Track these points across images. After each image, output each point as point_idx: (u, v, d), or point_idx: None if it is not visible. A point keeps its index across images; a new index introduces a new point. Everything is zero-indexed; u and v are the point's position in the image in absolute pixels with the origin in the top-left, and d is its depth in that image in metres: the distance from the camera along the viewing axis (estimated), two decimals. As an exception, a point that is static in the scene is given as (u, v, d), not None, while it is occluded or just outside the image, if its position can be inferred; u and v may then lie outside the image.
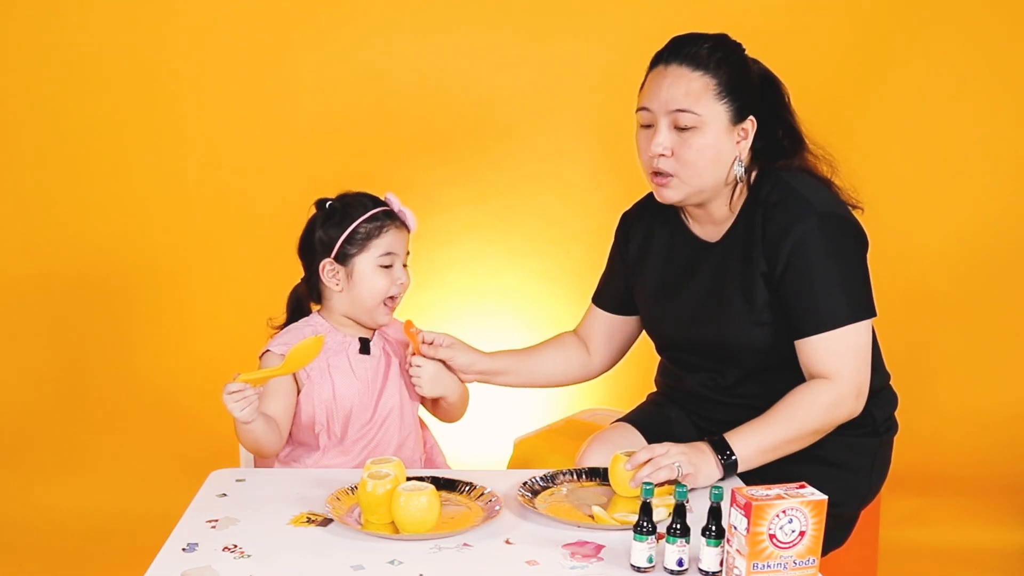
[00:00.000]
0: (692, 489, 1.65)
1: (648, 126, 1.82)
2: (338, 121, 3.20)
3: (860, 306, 1.78)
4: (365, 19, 3.18)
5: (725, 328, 1.85)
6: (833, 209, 1.81)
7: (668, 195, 1.84)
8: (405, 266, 1.99)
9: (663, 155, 1.79)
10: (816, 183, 1.86)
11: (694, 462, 1.69)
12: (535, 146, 3.24)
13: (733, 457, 1.71)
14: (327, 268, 1.93)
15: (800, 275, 1.76)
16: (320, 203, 1.98)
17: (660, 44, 1.89)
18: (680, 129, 1.77)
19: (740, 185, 1.85)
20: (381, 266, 1.93)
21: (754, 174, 1.86)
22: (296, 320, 2.02)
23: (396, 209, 1.97)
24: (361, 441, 1.94)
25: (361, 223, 1.93)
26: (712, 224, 1.90)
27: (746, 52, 1.86)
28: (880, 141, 3.21)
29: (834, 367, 1.75)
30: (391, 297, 1.96)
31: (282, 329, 2.01)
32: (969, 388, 3.31)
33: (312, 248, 1.96)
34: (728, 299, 1.85)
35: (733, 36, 1.87)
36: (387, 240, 1.93)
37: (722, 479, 1.71)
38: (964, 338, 3.32)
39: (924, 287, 3.26)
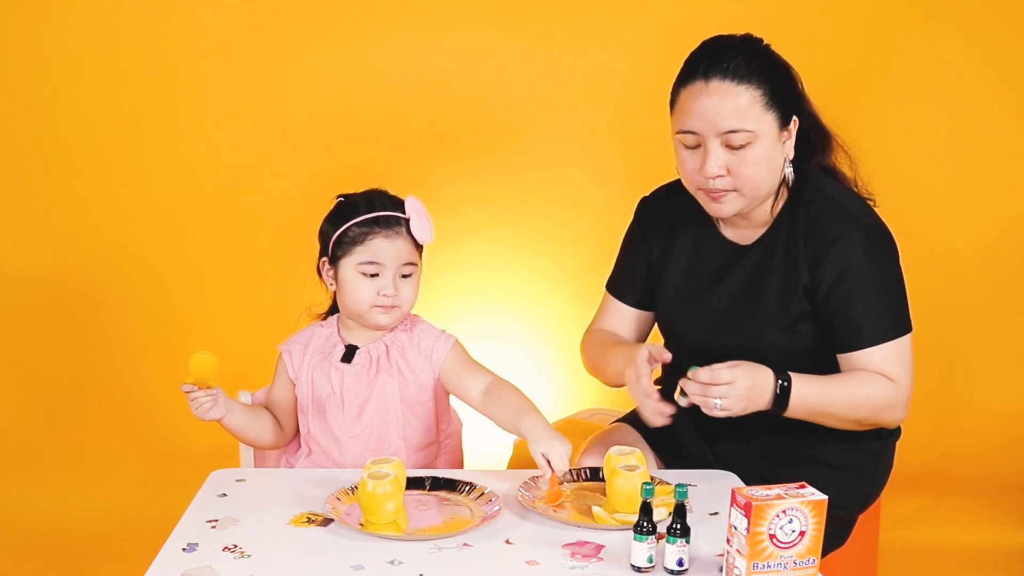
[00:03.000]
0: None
1: (694, 147, 1.77)
2: (339, 122, 3.20)
3: (901, 321, 1.80)
4: (367, 18, 3.18)
5: (753, 332, 1.83)
6: (873, 221, 1.81)
7: (726, 210, 1.79)
8: (407, 277, 1.88)
9: (720, 175, 1.74)
10: (850, 191, 1.86)
11: (750, 399, 1.66)
12: (536, 146, 3.24)
13: (787, 384, 1.68)
14: (324, 266, 1.91)
15: (848, 292, 1.76)
16: (337, 197, 1.93)
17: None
18: (732, 146, 1.73)
19: (781, 188, 1.82)
20: (364, 274, 1.85)
21: (791, 178, 1.83)
22: (336, 312, 1.99)
23: (407, 215, 1.87)
24: (333, 449, 1.90)
25: (351, 226, 1.85)
26: (749, 229, 1.87)
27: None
28: (889, 135, 3.19)
29: (892, 372, 1.76)
30: (382, 306, 1.86)
31: (324, 319, 2.00)
32: (969, 389, 3.31)
33: (320, 244, 1.93)
34: (762, 304, 1.83)
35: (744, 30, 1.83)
36: (371, 248, 1.84)
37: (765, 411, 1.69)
38: (964, 339, 3.32)
39: (924, 292, 3.25)
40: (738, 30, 1.83)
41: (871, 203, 1.87)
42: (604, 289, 2.10)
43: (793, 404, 1.71)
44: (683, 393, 1.68)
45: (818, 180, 1.84)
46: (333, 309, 2.01)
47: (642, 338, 2.07)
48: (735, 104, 1.71)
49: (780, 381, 1.70)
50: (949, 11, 3.18)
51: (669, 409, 1.73)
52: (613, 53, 3.18)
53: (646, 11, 3.15)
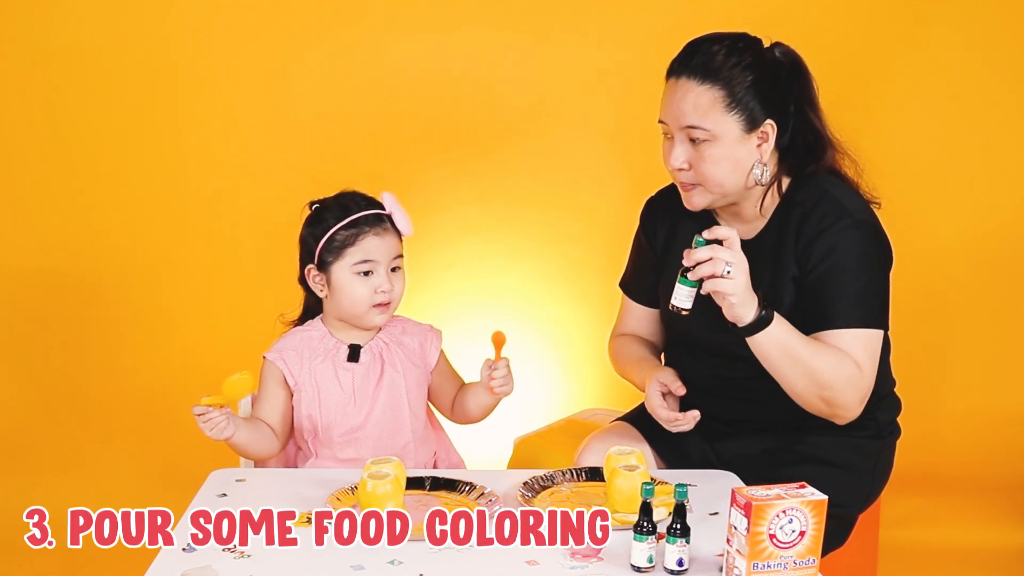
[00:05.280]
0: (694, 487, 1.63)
1: (668, 136, 1.84)
2: (338, 121, 3.20)
3: (877, 315, 1.79)
4: (367, 18, 3.18)
5: None
6: (868, 218, 1.82)
7: (695, 202, 1.85)
8: (397, 270, 1.90)
9: (682, 168, 1.81)
10: (850, 189, 1.86)
11: (747, 288, 1.66)
12: (536, 146, 3.24)
13: (767, 313, 1.68)
14: (311, 274, 1.91)
15: (830, 270, 1.77)
16: (310, 205, 1.94)
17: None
18: (695, 141, 1.78)
19: (771, 188, 1.84)
20: (359, 274, 1.86)
21: (787, 181, 1.85)
22: (310, 318, 1.98)
23: (388, 211, 1.90)
24: (348, 448, 1.90)
25: (338, 230, 1.86)
26: (741, 224, 1.89)
27: (765, 45, 1.82)
28: (889, 138, 3.18)
29: (859, 358, 1.75)
30: (380, 304, 1.88)
31: (300, 323, 1.99)
32: (969, 389, 3.31)
33: (301, 252, 1.93)
34: None
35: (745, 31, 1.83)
36: (363, 247, 1.86)
37: (745, 330, 1.69)
38: (965, 339, 3.32)
39: (925, 290, 3.26)
40: (743, 29, 1.84)
41: (875, 206, 1.87)
42: (620, 290, 2.14)
43: (772, 330, 1.68)
44: (685, 276, 1.68)
45: (820, 180, 1.85)
46: (306, 312, 2.01)
47: (662, 337, 2.10)
48: (695, 102, 1.76)
49: (763, 311, 1.69)
50: (949, 14, 3.18)
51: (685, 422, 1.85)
52: (613, 53, 3.17)
53: (646, 10, 3.15)
